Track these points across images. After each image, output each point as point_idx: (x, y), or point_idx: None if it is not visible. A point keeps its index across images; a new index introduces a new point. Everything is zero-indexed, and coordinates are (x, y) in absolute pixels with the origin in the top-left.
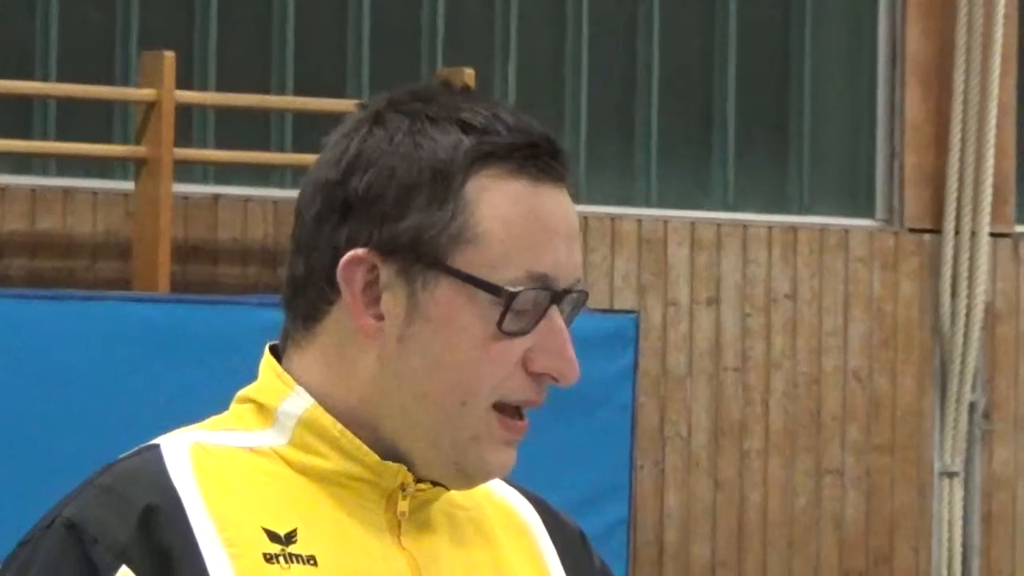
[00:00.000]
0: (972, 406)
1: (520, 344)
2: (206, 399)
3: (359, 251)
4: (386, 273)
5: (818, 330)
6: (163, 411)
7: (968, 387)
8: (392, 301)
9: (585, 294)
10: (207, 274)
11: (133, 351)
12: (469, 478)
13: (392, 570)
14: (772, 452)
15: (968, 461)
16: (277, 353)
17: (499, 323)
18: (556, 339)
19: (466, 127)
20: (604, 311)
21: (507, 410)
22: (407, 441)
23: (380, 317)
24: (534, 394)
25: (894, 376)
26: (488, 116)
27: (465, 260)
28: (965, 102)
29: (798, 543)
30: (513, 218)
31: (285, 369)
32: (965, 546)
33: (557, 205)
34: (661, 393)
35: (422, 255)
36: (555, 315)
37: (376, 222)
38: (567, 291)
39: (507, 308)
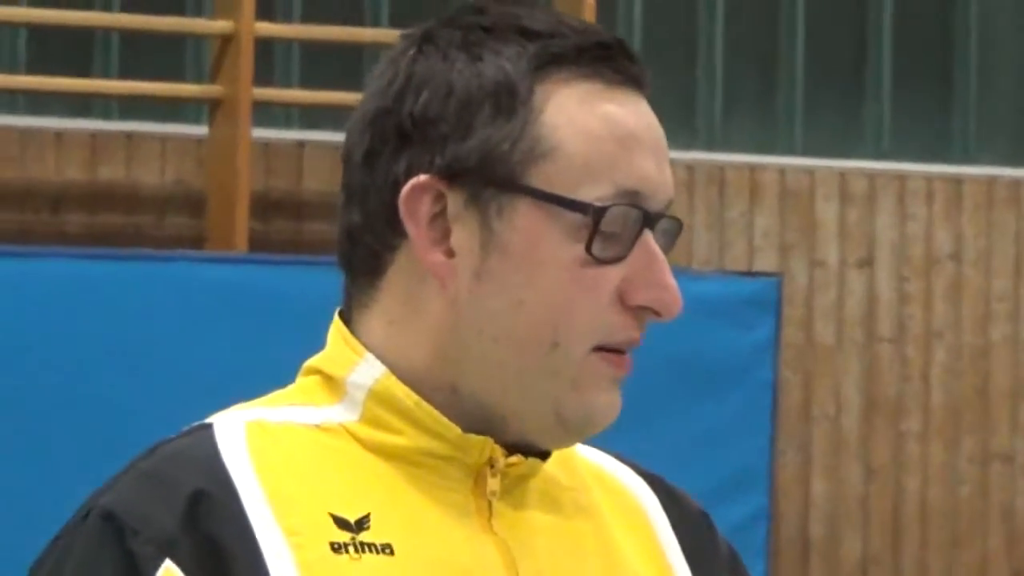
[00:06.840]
0: None
1: (614, 273)
2: (287, 370)
3: (422, 178)
4: (454, 202)
5: (986, 295)
6: (238, 384)
7: None
8: (463, 233)
9: (679, 222)
10: (290, 231)
11: (206, 317)
12: (570, 430)
13: (479, 558)
14: (932, 434)
15: None
16: (348, 319)
17: (587, 247)
18: (654, 266)
19: (527, 33)
20: (742, 274)
21: (609, 351)
22: (493, 397)
23: (451, 254)
24: (635, 331)
25: None
26: (551, 21)
27: (542, 178)
28: None
29: (962, 538)
30: (592, 126)
31: (353, 334)
32: None
33: (639, 112)
34: (806, 367)
35: (493, 177)
36: (650, 240)
37: (437, 145)
38: (660, 214)
39: (596, 227)
